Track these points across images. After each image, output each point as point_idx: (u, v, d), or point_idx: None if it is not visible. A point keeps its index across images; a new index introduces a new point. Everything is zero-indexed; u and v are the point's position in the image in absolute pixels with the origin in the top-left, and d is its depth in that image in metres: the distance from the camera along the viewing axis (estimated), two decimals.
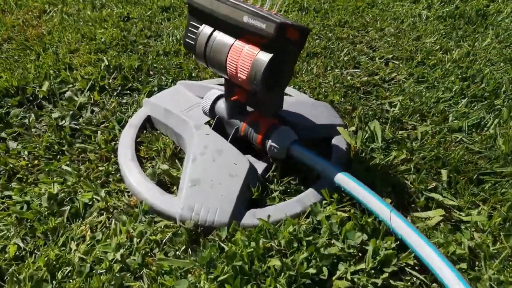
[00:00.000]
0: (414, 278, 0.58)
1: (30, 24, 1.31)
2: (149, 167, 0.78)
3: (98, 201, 0.71)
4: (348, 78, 1.05)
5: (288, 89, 1.01)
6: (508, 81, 1.02)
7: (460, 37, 1.26)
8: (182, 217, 0.66)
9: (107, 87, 1.00)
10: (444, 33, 1.28)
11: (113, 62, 1.06)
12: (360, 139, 0.83)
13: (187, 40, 0.74)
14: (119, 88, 1.00)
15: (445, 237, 0.62)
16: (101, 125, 0.90)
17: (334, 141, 0.84)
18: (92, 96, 0.96)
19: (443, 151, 0.80)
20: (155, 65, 1.09)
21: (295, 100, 0.92)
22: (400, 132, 0.89)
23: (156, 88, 0.99)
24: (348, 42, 1.23)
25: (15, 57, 1.14)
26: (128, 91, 1.00)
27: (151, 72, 1.07)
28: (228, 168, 0.72)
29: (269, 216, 0.65)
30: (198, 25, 0.72)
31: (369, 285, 0.55)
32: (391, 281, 0.57)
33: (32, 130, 0.87)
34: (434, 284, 0.58)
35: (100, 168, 0.77)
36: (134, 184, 0.73)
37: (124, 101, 0.97)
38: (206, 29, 0.70)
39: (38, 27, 1.29)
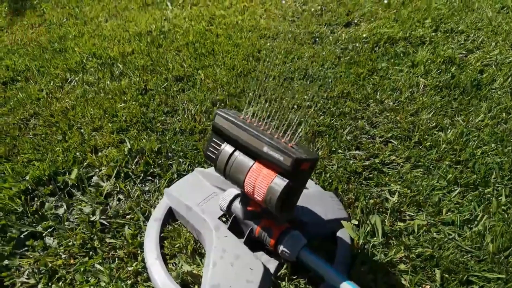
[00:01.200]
0: None
1: (54, 96, 1.41)
2: (173, 267, 0.87)
3: None
4: (351, 162, 1.14)
5: None
6: (498, 167, 1.11)
7: (455, 111, 1.35)
8: None
9: (130, 173, 1.09)
10: (440, 106, 1.37)
11: (135, 146, 1.15)
12: (363, 235, 0.92)
13: (208, 153, 0.84)
14: (142, 174, 1.10)
15: None
16: (127, 216, 0.99)
17: (340, 234, 0.93)
18: (117, 184, 1.06)
19: (437, 250, 0.90)
20: (173, 146, 1.18)
21: (305, 192, 1.02)
22: (399, 223, 0.98)
23: (175, 176, 1.09)
24: (351, 118, 1.32)
25: (42, 135, 1.24)
26: (150, 177, 1.10)
27: (169, 155, 1.16)
28: (244, 273, 0.81)
29: None
30: (220, 143, 0.81)
31: None
32: None
33: (66, 223, 0.97)
34: None
35: (129, 268, 0.86)
36: (160, 286, 0.83)
37: (146, 188, 1.07)
38: (227, 148, 0.80)
39: (62, 100, 1.39)
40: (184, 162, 1.14)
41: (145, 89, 1.45)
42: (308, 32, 1.86)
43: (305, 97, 1.41)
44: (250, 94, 1.41)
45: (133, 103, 1.37)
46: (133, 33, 1.85)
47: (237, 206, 0.90)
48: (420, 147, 1.21)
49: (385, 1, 2.14)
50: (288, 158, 0.70)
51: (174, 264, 0.89)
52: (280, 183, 0.72)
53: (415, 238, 0.93)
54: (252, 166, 0.76)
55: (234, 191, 0.93)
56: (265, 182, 0.74)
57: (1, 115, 1.35)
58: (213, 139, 0.83)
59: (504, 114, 1.33)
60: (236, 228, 0.91)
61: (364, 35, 1.82)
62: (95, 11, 2.10)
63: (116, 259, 0.89)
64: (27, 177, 1.05)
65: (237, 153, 0.79)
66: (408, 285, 0.83)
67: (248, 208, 0.85)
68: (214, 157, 0.82)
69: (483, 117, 1.32)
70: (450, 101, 1.40)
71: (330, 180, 1.09)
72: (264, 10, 2.11)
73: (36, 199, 1.02)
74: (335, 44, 1.79)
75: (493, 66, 1.61)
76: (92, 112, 1.32)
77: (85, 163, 1.13)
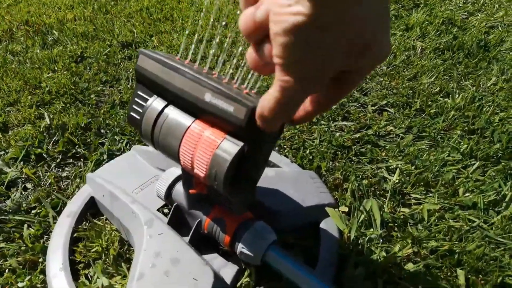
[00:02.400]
0: None
1: None
2: (87, 281, 0.60)
3: None
4: (337, 135, 0.88)
5: None
6: None
7: (462, 75, 1.11)
8: None
9: (45, 155, 0.82)
10: (443, 70, 1.13)
11: (55, 122, 0.88)
12: (356, 227, 0.66)
13: (132, 113, 0.57)
14: (60, 156, 0.82)
15: None
16: (32, 212, 0.72)
17: (323, 226, 0.68)
18: (24, 170, 0.78)
19: (457, 243, 0.64)
20: (108, 121, 0.91)
21: (274, 173, 0.75)
22: (402, 209, 0.73)
23: (105, 156, 0.82)
24: None
25: None
26: (72, 160, 0.83)
27: (102, 131, 0.89)
28: (185, 286, 0.55)
29: None
30: (147, 97, 0.55)
31: None
32: None
33: None
34: None
35: (20, 285, 0.59)
36: None
37: (64, 174, 0.79)
38: (156, 103, 0.53)
39: None
40: (121, 140, 0.87)
41: (82, 56, 1.17)
42: None
43: None
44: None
45: (64, 72, 1.09)
46: None
47: (179, 191, 0.64)
48: (423, 115, 0.96)
49: None
50: (241, 108, 0.43)
51: (88, 276, 0.62)
52: (229, 148, 0.45)
53: (426, 228, 0.68)
54: (190, 126, 0.49)
55: (176, 171, 0.66)
56: (208, 148, 0.47)
57: None
58: (138, 92, 0.56)
59: None
60: (180, 222, 0.65)
61: None
62: None
63: (6, 271, 0.62)
64: None
65: (169, 109, 0.52)
66: None
67: (190, 190, 0.59)
68: (138, 117, 0.55)
69: (496, 80, 1.08)
70: (455, 64, 1.16)
71: (311, 157, 0.83)
72: None
73: None
74: None
75: (500, 28, 1.38)
76: (10, 84, 1.04)
77: None
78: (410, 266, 0.62)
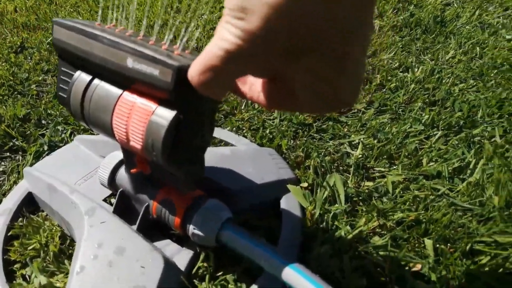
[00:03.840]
0: None
1: None
2: (23, 282, 0.53)
3: None
4: (297, 113, 0.85)
5: (223, 133, 0.79)
6: (484, 103, 0.86)
7: (420, 50, 1.10)
8: None
9: None
10: (401, 46, 1.11)
11: None
12: (320, 203, 0.62)
13: (60, 93, 0.51)
14: None
15: None
16: None
17: (284, 204, 0.63)
18: None
19: (423, 212, 0.62)
20: (49, 111, 0.84)
21: (229, 152, 0.70)
22: (366, 183, 0.69)
23: (46, 147, 0.75)
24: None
25: None
26: (8, 153, 0.75)
27: (43, 122, 0.82)
28: (132, 276, 0.49)
29: None
30: (72, 72, 0.49)
31: None
32: None
33: None
34: None
35: None
36: None
37: (0, 169, 0.72)
38: (81, 77, 0.47)
39: None
40: (64, 131, 0.80)
41: (22, 46, 1.08)
42: None
43: None
44: None
45: (3, 64, 1.00)
46: None
47: (123, 175, 0.58)
48: (384, 90, 0.94)
49: None
50: (167, 70, 0.37)
51: (25, 276, 0.55)
52: (165, 113, 0.40)
53: (391, 200, 0.65)
54: (120, 95, 0.44)
55: (118, 154, 0.60)
56: (141, 118, 0.42)
57: None
58: (62, 68, 0.49)
59: (478, 48, 1.09)
60: (128, 209, 0.59)
61: None
62: None
63: None
64: None
65: (97, 81, 0.46)
66: (390, 267, 0.54)
67: (131, 170, 0.53)
68: (65, 96, 0.49)
69: (454, 53, 1.08)
70: (413, 40, 1.15)
71: (271, 137, 0.79)
72: None
73: None
74: None
75: (455, 4, 1.38)
76: None
77: None
78: (376, 240, 0.59)
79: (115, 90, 0.44)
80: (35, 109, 0.84)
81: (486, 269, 0.54)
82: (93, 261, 0.50)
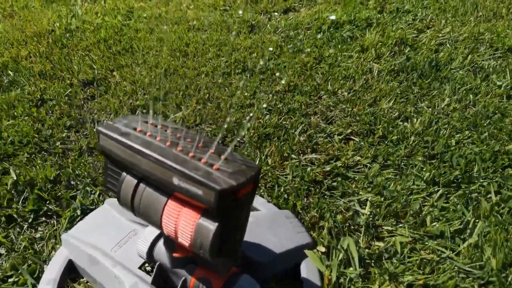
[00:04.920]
0: None
1: None
2: None
3: None
4: (308, 169, 0.91)
5: None
6: (479, 158, 0.93)
7: (417, 97, 1.17)
8: None
9: (15, 216, 0.79)
10: (399, 93, 1.19)
11: (22, 178, 0.85)
12: (336, 267, 0.69)
13: (108, 185, 0.57)
14: (31, 215, 0.80)
15: None
16: (9, 280, 0.69)
17: (304, 270, 0.70)
18: (2, 235, 0.76)
19: (430, 276, 0.69)
20: (77, 171, 0.89)
21: (252, 218, 0.77)
22: (377, 243, 0.76)
23: (79, 212, 0.80)
24: (301, 115, 1.10)
25: None
26: (44, 218, 0.80)
27: (72, 183, 0.87)
28: None
29: None
30: (119, 171, 0.55)
31: None
32: None
33: None
34: None
35: None
36: None
37: (38, 235, 0.77)
38: (129, 178, 0.53)
39: None
40: (93, 192, 0.85)
41: (42, 99, 1.13)
42: (244, 21, 1.62)
43: (246, 94, 1.17)
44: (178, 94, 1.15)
45: (25, 118, 1.05)
46: (31, 33, 1.52)
47: (161, 249, 0.64)
48: (386, 142, 1.01)
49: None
50: (209, 192, 0.44)
51: None
52: (209, 221, 0.47)
53: (400, 262, 0.72)
54: (166, 203, 0.50)
55: (154, 230, 0.66)
56: (189, 222, 0.48)
57: None
58: (109, 166, 0.56)
59: (471, 95, 1.17)
60: (163, 280, 0.65)
61: (306, 21, 1.61)
62: None
63: None
64: None
65: (143, 184, 0.53)
66: None
67: (174, 254, 0.59)
68: (115, 189, 0.55)
69: (449, 101, 1.15)
70: (410, 86, 1.23)
71: (286, 196, 0.85)
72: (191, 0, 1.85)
73: None
74: (274, 32, 1.57)
75: (448, 45, 1.46)
76: None
77: None
78: None
79: (162, 195, 0.50)
80: (63, 169, 0.89)
81: None
82: None
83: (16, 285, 0.68)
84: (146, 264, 0.71)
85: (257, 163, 0.94)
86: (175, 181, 0.46)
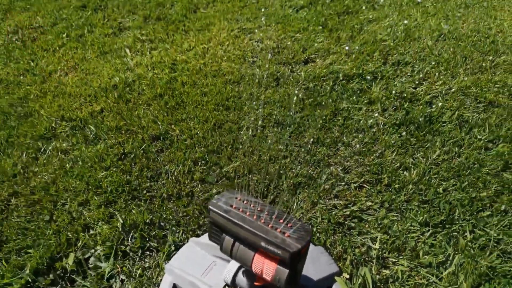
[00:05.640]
0: None
1: (30, 170, 1.39)
2: None
3: None
4: (333, 212, 1.24)
5: None
6: (459, 203, 1.26)
7: (414, 148, 1.50)
8: None
9: (128, 251, 1.12)
10: (401, 144, 1.52)
11: (128, 221, 1.18)
12: None
13: (212, 239, 0.90)
14: (139, 250, 1.13)
15: None
16: None
17: None
18: (117, 264, 1.09)
19: None
20: (164, 215, 1.22)
21: None
22: (384, 271, 1.09)
23: (173, 247, 1.13)
24: (325, 165, 1.43)
25: (27, 217, 1.23)
26: (148, 252, 1.13)
27: (162, 224, 1.20)
28: None
29: None
30: (220, 232, 0.88)
31: None
32: None
33: None
34: None
35: None
36: None
37: (146, 265, 1.10)
38: (228, 238, 0.86)
39: (39, 174, 1.38)
40: (178, 231, 1.19)
41: (124, 153, 1.47)
42: (270, 74, 1.96)
43: (281, 147, 1.50)
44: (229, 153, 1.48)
45: (114, 169, 1.38)
46: (97, 87, 1.85)
47: (241, 278, 0.97)
48: (390, 189, 1.34)
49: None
50: (285, 253, 0.77)
51: None
52: (284, 269, 0.80)
53: (401, 285, 1.05)
54: (254, 255, 0.83)
55: (235, 264, 0.99)
56: (271, 266, 0.81)
57: None
58: (212, 229, 0.89)
59: (456, 148, 1.50)
60: None
61: (322, 74, 1.94)
62: (51, 64, 2.06)
63: None
64: (27, 270, 1.05)
65: (238, 243, 0.86)
66: None
67: (255, 283, 0.92)
68: (218, 243, 0.88)
69: (439, 153, 1.48)
70: (409, 138, 1.55)
71: (318, 234, 1.18)
72: (223, 51, 2.18)
73: None
74: (296, 84, 1.90)
75: (440, 98, 1.79)
76: (74, 184, 1.33)
77: (79, 244, 1.14)
78: None
79: (251, 250, 0.83)
80: (153, 214, 1.22)
81: None
82: None
83: None
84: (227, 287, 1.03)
85: (293, 207, 1.27)
86: (263, 244, 0.79)
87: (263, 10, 2.70)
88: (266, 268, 0.82)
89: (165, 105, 1.72)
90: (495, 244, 1.14)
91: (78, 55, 2.13)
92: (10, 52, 2.28)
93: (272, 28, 2.44)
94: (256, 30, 2.41)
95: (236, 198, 0.87)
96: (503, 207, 1.25)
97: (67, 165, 1.41)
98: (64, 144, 1.51)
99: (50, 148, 1.49)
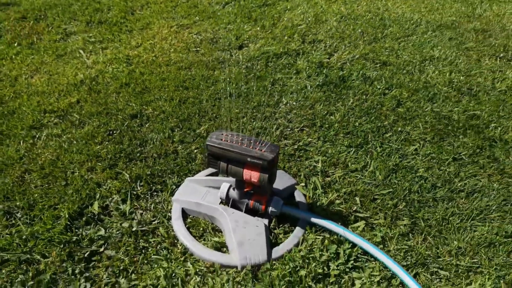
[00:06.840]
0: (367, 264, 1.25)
1: (33, 153, 1.65)
2: (205, 242, 1.30)
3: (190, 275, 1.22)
4: (286, 148, 1.69)
5: None
6: (370, 131, 1.77)
7: (335, 99, 2.00)
8: (242, 265, 1.22)
9: (140, 194, 1.47)
10: (325, 99, 2.01)
11: (133, 174, 1.52)
12: (311, 191, 1.47)
13: (211, 166, 1.30)
14: (148, 192, 1.48)
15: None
16: (154, 222, 1.37)
17: (297, 195, 1.47)
18: (135, 203, 1.43)
19: (353, 187, 1.50)
20: (160, 168, 1.58)
21: None
22: (327, 178, 1.56)
23: (174, 186, 1.50)
24: (274, 119, 1.87)
25: (45, 185, 1.51)
26: (155, 193, 1.49)
27: (160, 174, 1.56)
28: (254, 229, 1.30)
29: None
30: (216, 160, 1.27)
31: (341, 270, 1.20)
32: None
33: (112, 238, 1.31)
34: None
35: (178, 250, 1.27)
36: (203, 255, 1.26)
37: (157, 200, 1.46)
38: (223, 163, 1.26)
39: (43, 154, 1.64)
40: (173, 177, 1.55)
41: (111, 130, 1.78)
42: (215, 58, 2.35)
43: (237, 111, 1.91)
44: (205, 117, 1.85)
45: (107, 143, 1.70)
46: (66, 84, 2.10)
47: (232, 192, 1.37)
48: (322, 129, 1.82)
49: None
50: (264, 161, 1.19)
51: (204, 239, 1.32)
52: (265, 174, 1.22)
53: (339, 184, 1.52)
54: (243, 168, 1.24)
55: (227, 184, 1.39)
56: (256, 172, 1.23)
57: None
58: (210, 157, 1.28)
59: (364, 96, 2.03)
60: (234, 207, 1.38)
61: (256, 56, 2.39)
62: (14, 69, 2.25)
63: (163, 249, 1.29)
64: (63, 218, 1.35)
65: (230, 164, 1.26)
66: (344, 210, 1.41)
67: (244, 190, 1.33)
68: (216, 168, 1.28)
69: (353, 101, 2.00)
70: (330, 94, 2.05)
71: (279, 163, 1.62)
72: (169, 44, 2.52)
73: (77, 230, 1.33)
74: (237, 64, 2.32)
75: (348, 63, 2.33)
76: (76, 158, 1.62)
77: (98, 196, 1.45)
78: (337, 201, 1.45)
79: (241, 167, 1.24)
80: (151, 168, 1.57)
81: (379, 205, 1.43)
82: (236, 227, 1.30)
83: (159, 224, 1.37)
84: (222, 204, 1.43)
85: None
86: (249, 159, 1.21)
87: (193, 8, 3.07)
88: (253, 175, 1.23)
89: (133, 91, 2.04)
90: (396, 151, 1.67)
91: (36, 60, 2.34)
92: None
93: (205, 22, 2.83)
94: (193, 25, 2.78)
95: (223, 134, 1.27)
96: (399, 129, 1.80)
97: (64, 145, 1.69)
98: (55, 131, 1.78)
99: (44, 134, 1.75)
